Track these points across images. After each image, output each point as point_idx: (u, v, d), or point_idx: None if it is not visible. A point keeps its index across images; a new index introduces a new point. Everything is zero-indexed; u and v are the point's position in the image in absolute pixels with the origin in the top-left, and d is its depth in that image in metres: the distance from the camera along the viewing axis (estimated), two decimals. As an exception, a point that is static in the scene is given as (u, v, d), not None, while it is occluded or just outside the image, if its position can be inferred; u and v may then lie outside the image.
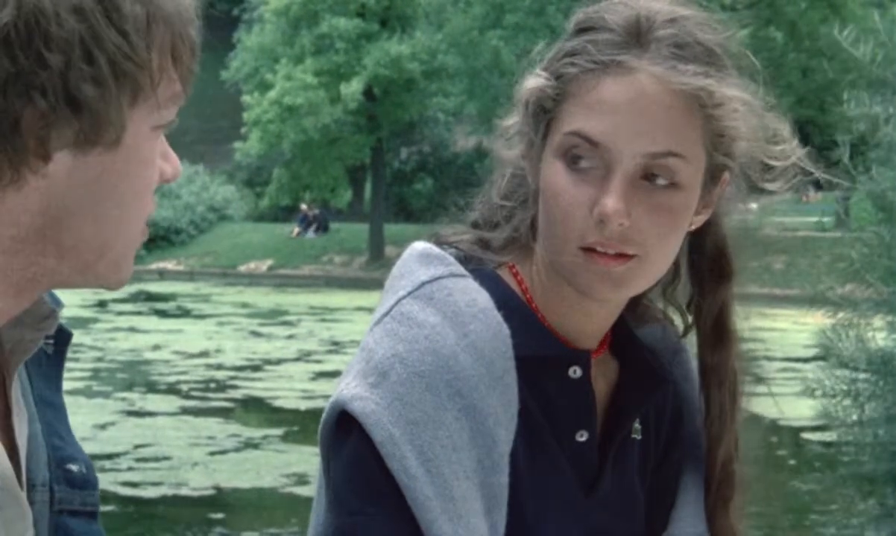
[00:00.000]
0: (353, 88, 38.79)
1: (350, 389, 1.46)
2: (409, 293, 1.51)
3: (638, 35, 1.47)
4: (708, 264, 1.62)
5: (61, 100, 1.11)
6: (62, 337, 1.36)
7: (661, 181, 1.46)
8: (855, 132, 4.98)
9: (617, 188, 1.45)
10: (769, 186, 1.58)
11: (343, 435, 1.47)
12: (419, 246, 1.57)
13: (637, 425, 1.64)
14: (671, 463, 1.67)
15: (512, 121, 1.57)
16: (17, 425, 1.25)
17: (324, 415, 1.50)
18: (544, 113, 1.51)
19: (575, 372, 1.56)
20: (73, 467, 1.32)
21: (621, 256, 1.47)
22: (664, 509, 1.66)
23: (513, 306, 1.54)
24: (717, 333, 1.63)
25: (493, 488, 1.47)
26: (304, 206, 43.15)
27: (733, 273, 1.62)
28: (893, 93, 4.85)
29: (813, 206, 38.65)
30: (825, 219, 34.97)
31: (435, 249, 1.56)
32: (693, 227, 1.55)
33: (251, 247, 41.73)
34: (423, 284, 1.51)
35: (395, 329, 1.48)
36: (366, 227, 40.67)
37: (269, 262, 40.78)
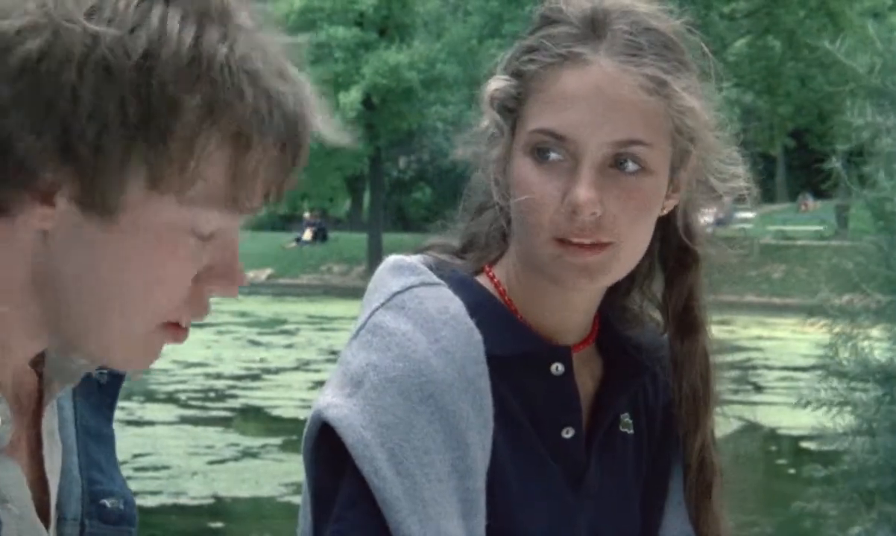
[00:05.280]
0: (351, 97, 38.82)
1: (326, 399, 1.49)
2: (382, 304, 1.53)
3: (594, 27, 1.49)
4: (675, 250, 1.62)
5: (58, 147, 1.06)
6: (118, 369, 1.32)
7: (630, 167, 1.48)
8: (854, 141, 4.98)
9: (586, 178, 1.46)
10: (721, 184, 1.59)
11: (322, 444, 1.50)
12: (391, 259, 1.59)
13: (627, 419, 1.64)
14: (666, 458, 1.67)
15: (482, 125, 1.58)
16: (48, 457, 1.23)
17: (305, 430, 1.52)
18: (509, 112, 1.53)
19: (557, 368, 1.57)
20: (109, 502, 1.30)
21: (596, 246, 1.48)
22: (659, 504, 1.66)
23: (489, 307, 1.55)
24: (685, 319, 1.63)
25: (468, 492, 1.48)
26: (306, 215, 43.17)
27: (699, 258, 1.62)
28: (891, 103, 4.85)
29: (811, 215, 38.63)
30: (823, 228, 34.92)
31: (406, 260, 1.58)
32: (664, 212, 1.56)
33: (250, 256, 41.70)
34: (395, 294, 1.53)
35: (369, 340, 1.51)
36: (364, 236, 40.68)
37: (268, 271, 40.79)
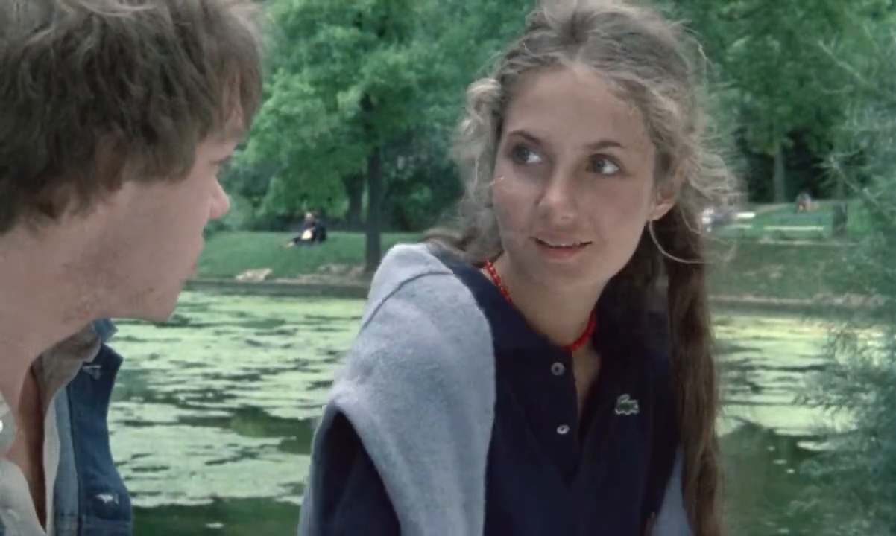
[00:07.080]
0: (350, 97, 38.82)
1: (338, 389, 1.50)
2: (392, 293, 1.54)
3: (573, 32, 1.50)
4: (676, 257, 1.61)
5: (139, 129, 1.10)
6: (110, 363, 1.35)
7: (607, 168, 1.48)
8: (853, 149, 4.97)
9: (560, 182, 1.47)
10: (705, 189, 1.59)
11: (333, 433, 1.50)
12: (396, 248, 1.60)
13: (628, 400, 1.64)
14: (671, 442, 1.66)
15: (466, 124, 1.59)
16: (48, 454, 1.24)
17: (319, 423, 1.52)
18: (493, 115, 1.54)
19: (557, 369, 1.57)
20: (105, 497, 1.31)
21: (572, 248, 1.48)
22: (661, 480, 1.66)
23: (495, 300, 1.56)
24: (689, 325, 1.63)
25: (471, 482, 1.49)
26: (308, 215, 43.20)
27: (703, 265, 1.62)
28: (889, 105, 4.85)
29: (809, 215, 38.63)
30: (821, 228, 34.95)
31: (412, 248, 1.59)
32: (655, 217, 1.56)
33: (248, 256, 41.71)
34: (404, 283, 1.54)
35: (379, 329, 1.51)
36: (363, 237, 40.68)
37: (267, 271, 40.78)
